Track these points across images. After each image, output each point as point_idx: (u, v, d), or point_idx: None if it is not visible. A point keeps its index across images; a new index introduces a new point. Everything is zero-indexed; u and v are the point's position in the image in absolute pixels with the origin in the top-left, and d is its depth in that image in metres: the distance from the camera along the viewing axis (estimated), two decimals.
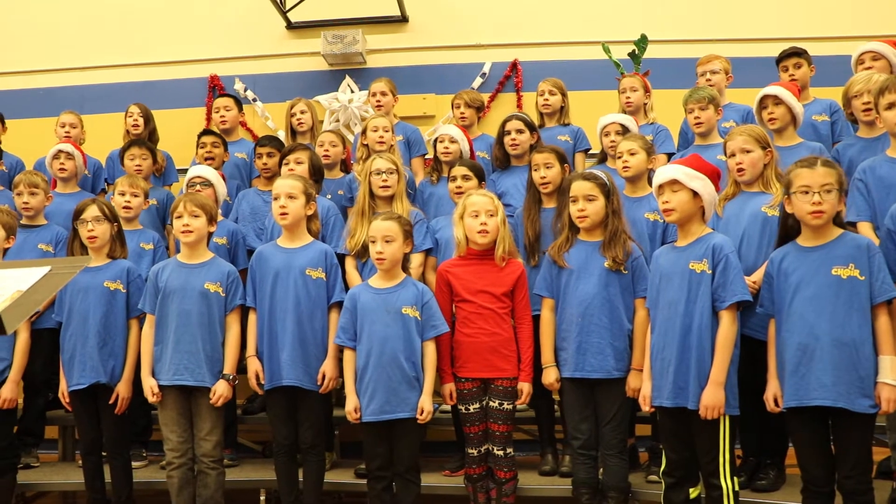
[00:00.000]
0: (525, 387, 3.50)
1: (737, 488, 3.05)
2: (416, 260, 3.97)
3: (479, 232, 3.50)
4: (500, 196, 4.28)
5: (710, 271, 3.04)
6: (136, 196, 4.29)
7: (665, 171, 3.19)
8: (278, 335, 3.56)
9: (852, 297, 2.83)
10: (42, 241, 4.31)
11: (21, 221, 4.24)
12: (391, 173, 3.98)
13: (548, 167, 3.85)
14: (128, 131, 5.24)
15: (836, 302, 2.84)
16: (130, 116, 5.21)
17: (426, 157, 5.10)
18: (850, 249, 2.88)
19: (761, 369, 3.11)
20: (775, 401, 3.00)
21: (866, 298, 2.84)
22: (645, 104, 4.76)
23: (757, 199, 3.46)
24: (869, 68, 4.25)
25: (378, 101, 5.09)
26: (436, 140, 4.56)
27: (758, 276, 3.25)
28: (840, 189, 2.90)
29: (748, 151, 3.45)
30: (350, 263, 3.99)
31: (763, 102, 3.89)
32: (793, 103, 3.83)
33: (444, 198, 4.23)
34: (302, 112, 5.08)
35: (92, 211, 3.73)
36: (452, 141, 4.44)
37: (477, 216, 3.51)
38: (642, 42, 5.06)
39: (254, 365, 3.62)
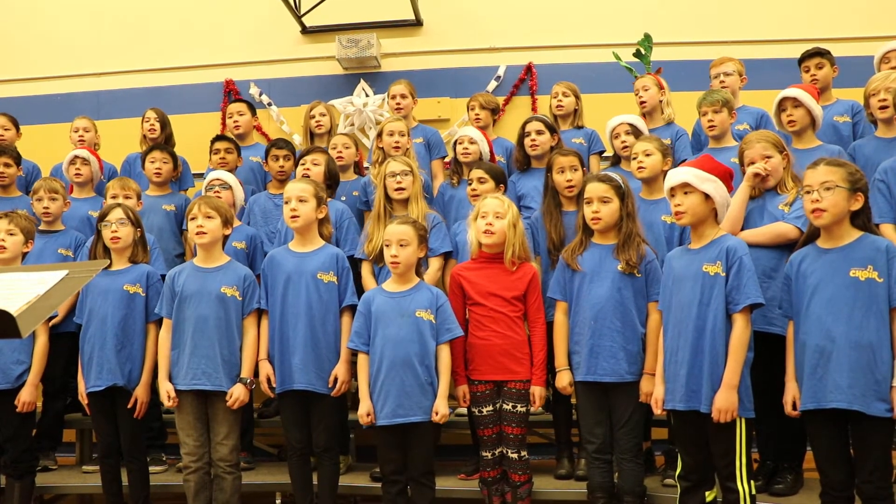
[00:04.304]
0: (537, 390, 3.49)
1: (753, 492, 3.02)
2: (435, 264, 3.97)
3: (485, 232, 3.50)
4: (520, 198, 4.30)
5: (724, 273, 3.02)
6: (128, 198, 4.31)
7: (676, 174, 3.17)
8: (290, 339, 3.57)
9: (870, 300, 2.81)
10: (62, 245, 4.35)
11: (40, 227, 4.28)
12: (405, 175, 3.99)
13: (574, 170, 3.86)
14: (144, 136, 5.28)
15: (854, 304, 2.82)
16: (147, 121, 5.24)
17: (446, 159, 5.10)
18: (869, 251, 2.85)
19: (779, 371, 3.09)
20: (794, 405, 2.97)
21: (884, 301, 2.81)
22: (661, 101, 4.72)
23: (776, 200, 3.46)
24: (894, 68, 4.22)
25: (398, 103, 5.10)
26: (455, 142, 4.57)
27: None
28: (850, 188, 2.86)
29: (769, 158, 3.44)
30: (366, 268, 4.00)
31: (782, 105, 3.86)
32: (812, 105, 3.80)
33: (465, 200, 4.22)
34: (321, 114, 5.10)
35: (116, 213, 3.76)
36: (472, 142, 4.45)
37: (485, 217, 3.52)
38: (646, 41, 5.03)
39: (265, 369, 3.63)
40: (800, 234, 3.22)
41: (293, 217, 3.63)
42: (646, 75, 4.83)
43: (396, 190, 3.97)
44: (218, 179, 4.31)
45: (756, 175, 3.43)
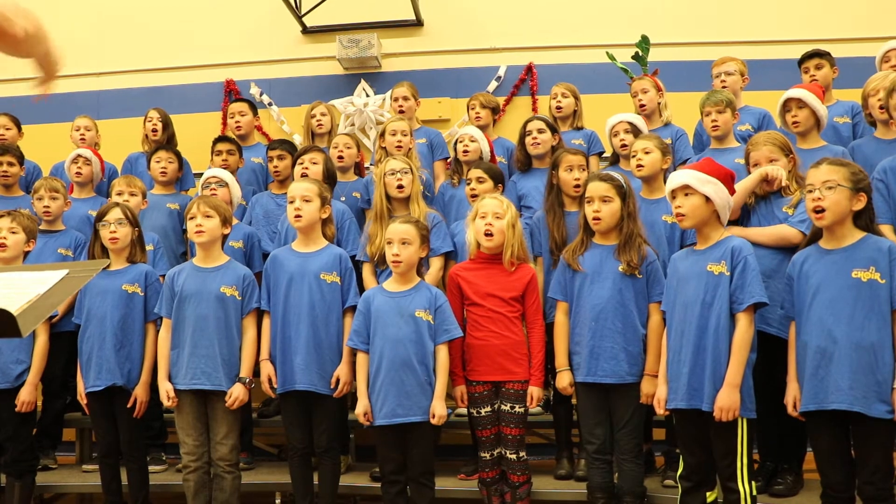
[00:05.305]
0: (535, 391, 3.48)
1: (754, 493, 3.02)
2: (436, 264, 3.97)
3: (485, 234, 3.50)
4: (521, 198, 4.30)
5: (729, 273, 3.02)
6: (133, 195, 4.32)
7: (677, 177, 3.17)
8: (292, 339, 3.57)
9: (872, 301, 2.81)
10: (62, 245, 4.35)
11: (40, 227, 4.28)
12: (405, 173, 3.98)
13: (582, 169, 3.87)
14: (146, 136, 5.28)
15: (856, 305, 2.82)
16: (149, 121, 5.24)
17: (448, 160, 5.10)
18: (872, 252, 2.85)
19: (780, 372, 3.09)
20: (795, 406, 2.97)
21: (886, 302, 2.81)
22: (659, 103, 4.71)
23: (781, 202, 3.46)
24: (895, 67, 4.22)
25: (400, 105, 5.10)
26: (456, 141, 4.57)
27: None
28: (853, 187, 2.85)
29: (774, 160, 3.44)
30: (367, 270, 3.99)
31: (786, 105, 3.86)
32: (816, 106, 3.79)
33: (465, 200, 4.22)
34: (322, 114, 5.10)
35: (115, 213, 3.76)
36: (472, 140, 4.46)
37: (484, 218, 3.51)
38: (644, 43, 5.03)
39: (266, 369, 3.63)
40: (802, 238, 3.22)
41: (297, 217, 3.63)
42: (643, 77, 4.83)
43: (397, 188, 3.96)
44: (214, 177, 4.31)
45: (765, 178, 3.42)
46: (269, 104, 6.33)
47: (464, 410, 3.81)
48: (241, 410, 3.70)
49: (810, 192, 2.90)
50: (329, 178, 4.26)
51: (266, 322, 3.68)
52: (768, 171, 3.42)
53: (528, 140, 4.35)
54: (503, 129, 5.66)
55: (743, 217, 3.55)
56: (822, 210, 2.86)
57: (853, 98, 4.37)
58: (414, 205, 3.98)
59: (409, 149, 4.48)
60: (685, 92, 5.17)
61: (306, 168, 4.22)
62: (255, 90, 6.32)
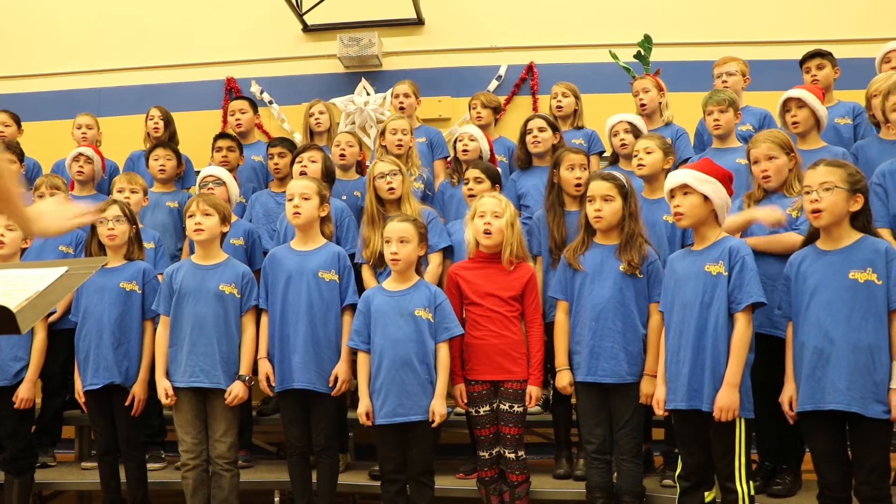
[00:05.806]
0: (533, 390, 3.48)
1: (752, 492, 3.02)
2: (435, 260, 3.97)
3: (484, 233, 3.50)
4: (520, 197, 4.29)
5: (727, 273, 3.02)
6: (134, 192, 4.32)
7: (675, 176, 3.17)
8: (290, 338, 3.57)
9: (869, 302, 2.81)
10: (62, 243, 4.34)
11: None
12: (394, 175, 3.97)
13: (583, 168, 3.85)
14: (148, 134, 5.28)
15: (853, 306, 2.81)
16: (151, 119, 5.25)
17: (448, 159, 5.11)
18: (869, 254, 2.85)
19: (779, 372, 3.09)
20: (791, 405, 2.97)
21: (883, 303, 2.81)
22: (660, 103, 4.71)
23: (783, 203, 3.43)
24: (895, 68, 4.21)
25: (401, 103, 5.10)
26: (455, 140, 4.56)
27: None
28: (850, 189, 2.85)
29: (773, 158, 3.42)
30: (367, 272, 3.98)
31: (786, 105, 3.85)
32: (816, 106, 3.79)
33: (464, 199, 4.22)
34: (321, 112, 5.10)
35: (113, 210, 3.76)
36: (472, 139, 4.46)
37: (483, 217, 3.51)
38: (646, 42, 5.02)
39: (265, 367, 3.63)
40: None
41: (296, 214, 3.63)
42: (645, 76, 4.82)
43: (388, 190, 3.96)
44: (211, 176, 4.31)
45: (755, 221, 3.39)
46: (270, 102, 6.34)
47: (463, 409, 3.81)
48: (240, 408, 3.70)
49: (807, 193, 2.90)
50: (328, 176, 4.25)
51: (264, 320, 3.67)
52: (760, 217, 3.33)
53: (529, 138, 4.34)
54: (504, 129, 5.66)
55: None
56: (820, 211, 2.86)
57: (854, 99, 4.37)
58: (406, 204, 3.97)
59: (410, 147, 4.48)
60: (686, 92, 5.17)
61: (305, 166, 4.21)
62: (255, 88, 6.33)
